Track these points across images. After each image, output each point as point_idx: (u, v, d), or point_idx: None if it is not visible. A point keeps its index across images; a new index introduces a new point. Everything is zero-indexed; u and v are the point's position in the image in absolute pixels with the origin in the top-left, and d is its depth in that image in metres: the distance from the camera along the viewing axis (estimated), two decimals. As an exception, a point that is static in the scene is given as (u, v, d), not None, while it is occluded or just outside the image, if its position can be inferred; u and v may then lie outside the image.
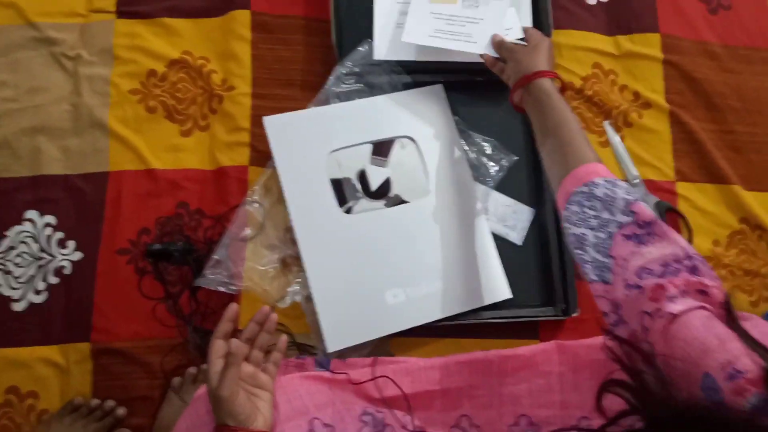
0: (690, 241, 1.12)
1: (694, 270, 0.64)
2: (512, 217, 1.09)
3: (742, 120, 1.21)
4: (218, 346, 0.78)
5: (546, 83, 0.90)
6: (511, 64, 0.98)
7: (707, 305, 0.61)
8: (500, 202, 1.10)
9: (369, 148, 1.08)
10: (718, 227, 1.15)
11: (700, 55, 1.24)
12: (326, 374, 0.93)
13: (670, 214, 1.14)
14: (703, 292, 0.62)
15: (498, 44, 1.03)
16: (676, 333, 0.60)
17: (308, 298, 1.02)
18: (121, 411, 1.01)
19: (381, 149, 1.08)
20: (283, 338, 0.85)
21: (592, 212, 0.72)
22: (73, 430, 0.99)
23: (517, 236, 1.09)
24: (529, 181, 1.13)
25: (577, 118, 0.85)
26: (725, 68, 1.23)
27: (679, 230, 1.14)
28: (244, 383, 0.79)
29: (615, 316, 0.69)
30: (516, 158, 1.13)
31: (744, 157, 1.19)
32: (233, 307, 0.80)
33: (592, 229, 0.72)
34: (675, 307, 0.61)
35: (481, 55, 1.04)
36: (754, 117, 1.22)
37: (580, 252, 0.73)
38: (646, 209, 0.69)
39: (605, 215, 0.71)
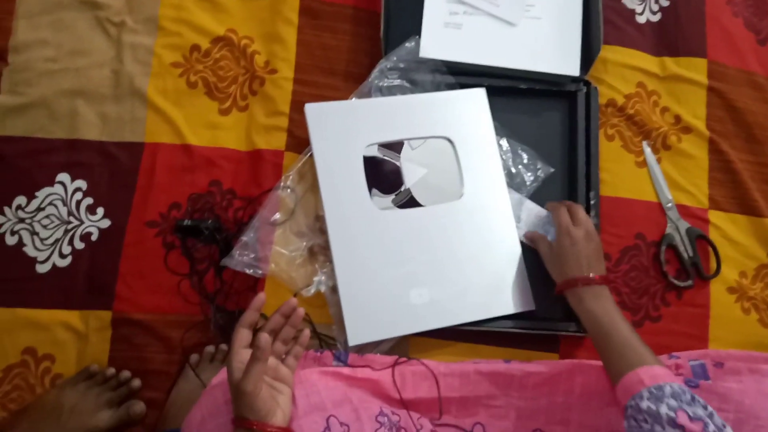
0: (717, 270, 1.12)
1: None
2: (543, 228, 1.08)
3: (781, 154, 1.20)
4: (243, 336, 0.78)
5: (575, 300, 0.93)
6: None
7: None
8: (533, 211, 1.09)
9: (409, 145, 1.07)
10: (746, 259, 1.15)
11: (744, 84, 1.22)
12: (344, 371, 0.92)
13: (700, 241, 1.13)
14: None
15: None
16: None
17: (333, 289, 1.02)
18: (136, 383, 1.01)
19: (393, 145, 1.08)
20: (306, 332, 0.84)
21: (646, 425, 0.74)
22: (86, 397, 0.99)
23: None
24: (563, 195, 1.12)
25: (613, 318, 0.88)
26: (769, 100, 1.22)
27: (708, 258, 1.14)
28: (266, 377, 0.79)
29: None
30: (552, 170, 1.12)
31: (779, 192, 1.19)
32: (261, 296, 0.79)
33: None
34: None
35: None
36: (792, 152, 1.21)
37: None
38: (691, 423, 0.72)
39: (657, 428, 0.73)
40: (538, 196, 1.11)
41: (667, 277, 1.11)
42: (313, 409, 0.84)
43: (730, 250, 1.14)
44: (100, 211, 1.07)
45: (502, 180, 1.09)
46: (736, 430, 0.85)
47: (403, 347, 1.05)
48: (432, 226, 1.04)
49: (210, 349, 1.03)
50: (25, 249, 1.04)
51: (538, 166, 1.12)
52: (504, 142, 1.12)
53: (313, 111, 1.04)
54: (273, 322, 0.82)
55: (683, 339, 1.08)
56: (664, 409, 0.73)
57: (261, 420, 0.74)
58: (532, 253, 1.06)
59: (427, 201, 1.05)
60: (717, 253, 1.12)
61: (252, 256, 1.03)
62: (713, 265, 1.13)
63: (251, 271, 1.02)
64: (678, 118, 1.19)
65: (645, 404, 0.74)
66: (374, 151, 1.05)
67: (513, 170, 1.11)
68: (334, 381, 0.91)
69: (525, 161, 1.12)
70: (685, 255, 1.11)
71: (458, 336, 1.05)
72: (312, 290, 1.03)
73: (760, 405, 0.85)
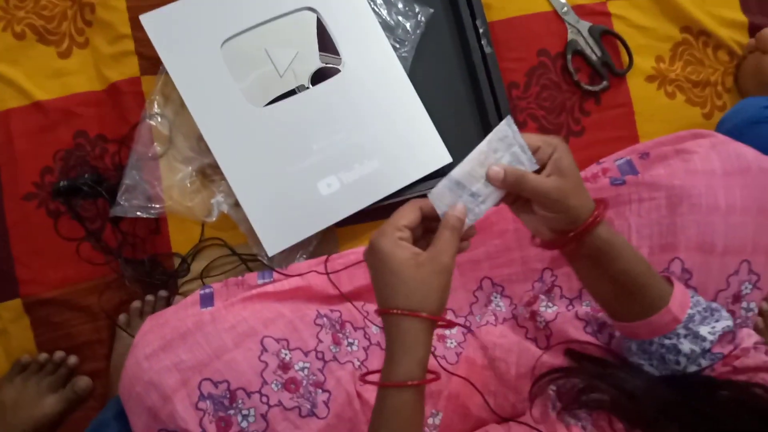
0: (630, 63, 1.05)
1: None
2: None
3: None
4: (413, 212, 0.63)
5: (604, 230, 0.62)
6: (542, 210, 0.62)
7: None
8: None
9: (272, 31, 0.96)
10: (659, 42, 1.07)
11: None
12: (270, 288, 0.88)
13: (606, 37, 1.05)
14: None
15: (515, 181, 0.61)
16: None
17: (237, 206, 0.95)
18: (72, 360, 0.97)
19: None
20: None
21: (677, 363, 0.66)
22: (26, 389, 0.95)
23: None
24: (450, 33, 1.03)
25: (639, 254, 0.66)
26: None
27: (618, 53, 1.06)
28: None
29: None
30: (432, 10, 1.02)
31: (676, -40, 1.09)
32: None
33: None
34: None
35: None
36: None
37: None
38: (728, 344, 0.66)
39: (693, 367, 0.66)
40: (425, 43, 1.02)
41: (580, 86, 1.03)
42: (243, 338, 0.80)
43: (640, 38, 1.06)
44: (-28, 200, 0.98)
45: (382, 36, 0.99)
46: (670, 213, 0.81)
47: (332, 241, 0.99)
48: (320, 109, 0.96)
49: (136, 304, 0.97)
50: None
51: (417, 10, 1.02)
52: (373, -5, 1.01)
53: (152, 21, 0.93)
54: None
55: (613, 144, 1.02)
56: (708, 345, 0.65)
57: (438, 311, 0.59)
58: (435, 104, 0.98)
59: (305, 83, 0.96)
60: (626, 44, 1.04)
61: (142, 197, 0.95)
62: (625, 59, 1.05)
63: (145, 213, 0.95)
64: None
65: (687, 347, 0.65)
66: (234, 47, 0.95)
67: (391, 22, 1.01)
68: (260, 303, 0.86)
69: (401, 8, 1.02)
70: (593, 57, 1.04)
71: (385, 212, 0.96)
72: (215, 214, 0.96)
73: (691, 183, 0.81)
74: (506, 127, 0.62)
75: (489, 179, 0.61)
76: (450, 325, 0.62)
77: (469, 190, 0.62)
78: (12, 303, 0.96)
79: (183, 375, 0.77)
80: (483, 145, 0.63)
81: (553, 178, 0.60)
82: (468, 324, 0.92)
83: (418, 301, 0.58)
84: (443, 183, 0.63)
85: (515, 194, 0.64)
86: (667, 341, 0.66)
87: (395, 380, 0.58)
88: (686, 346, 0.65)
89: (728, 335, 0.67)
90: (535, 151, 0.62)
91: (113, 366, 0.97)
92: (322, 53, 0.97)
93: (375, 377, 0.62)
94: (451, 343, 0.90)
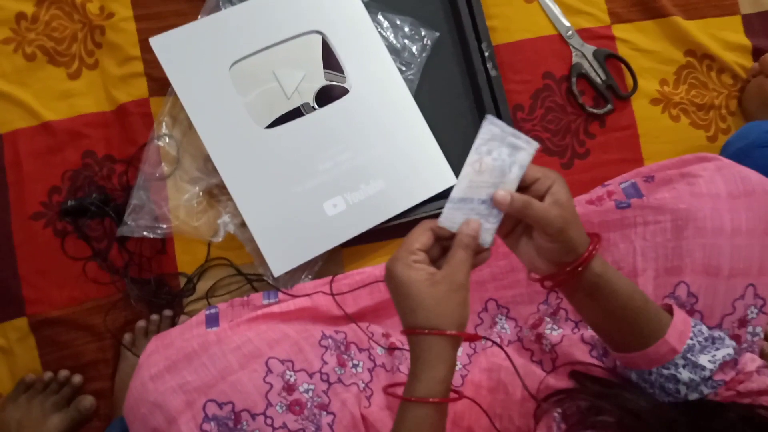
0: (635, 86, 1.05)
1: None
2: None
3: (676, -56, 1.11)
4: (425, 234, 0.62)
5: (598, 263, 0.63)
6: (542, 239, 0.61)
7: None
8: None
9: (279, 54, 0.97)
10: (663, 65, 1.08)
11: None
12: (276, 308, 0.88)
13: (611, 61, 1.06)
14: None
15: (521, 206, 0.60)
16: None
17: (243, 226, 0.95)
18: (77, 379, 0.97)
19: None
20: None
21: (677, 392, 0.67)
22: (30, 408, 0.94)
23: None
24: (456, 57, 1.04)
25: (635, 287, 0.66)
26: None
27: (623, 76, 1.07)
28: None
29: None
30: (438, 34, 1.03)
31: (681, -15, 1.10)
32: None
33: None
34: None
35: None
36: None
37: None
38: (731, 370, 0.67)
39: (694, 395, 0.66)
40: (431, 65, 1.03)
41: (585, 109, 1.04)
42: (248, 359, 0.80)
43: (645, 61, 1.07)
44: (-19, 219, 0.99)
45: (388, 59, 1.00)
46: (676, 236, 0.81)
47: (337, 262, 1.00)
48: (326, 130, 0.96)
49: (141, 323, 0.97)
50: None
51: (423, 34, 1.03)
52: (381, 18, 1.02)
53: (161, 43, 0.94)
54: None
55: (618, 166, 1.03)
56: (708, 374, 0.65)
57: (459, 327, 0.59)
58: (440, 126, 0.99)
59: (311, 102, 0.97)
60: (630, 68, 1.05)
61: (149, 217, 0.95)
62: (630, 82, 1.06)
63: (152, 233, 0.95)
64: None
65: (686, 376, 0.65)
66: (242, 69, 0.96)
67: (398, 45, 1.02)
68: (266, 323, 0.86)
69: (407, 31, 1.03)
70: (598, 80, 1.04)
71: (390, 233, 0.99)
72: (221, 234, 0.96)
73: (696, 206, 0.81)
74: (491, 126, 0.62)
75: (496, 204, 0.61)
76: (473, 338, 0.62)
77: (479, 199, 0.62)
78: (18, 322, 0.96)
79: (188, 396, 0.77)
80: (472, 156, 0.63)
81: (555, 207, 0.60)
82: (474, 347, 0.91)
83: (437, 318, 0.59)
84: (447, 207, 0.63)
85: (511, 226, 0.64)
86: (665, 371, 0.66)
87: (416, 396, 0.59)
88: (685, 375, 0.65)
89: (730, 362, 0.66)
90: (533, 182, 0.61)
91: (118, 386, 0.97)
92: (328, 74, 0.98)
93: (400, 390, 0.63)
94: (456, 365, 0.89)
